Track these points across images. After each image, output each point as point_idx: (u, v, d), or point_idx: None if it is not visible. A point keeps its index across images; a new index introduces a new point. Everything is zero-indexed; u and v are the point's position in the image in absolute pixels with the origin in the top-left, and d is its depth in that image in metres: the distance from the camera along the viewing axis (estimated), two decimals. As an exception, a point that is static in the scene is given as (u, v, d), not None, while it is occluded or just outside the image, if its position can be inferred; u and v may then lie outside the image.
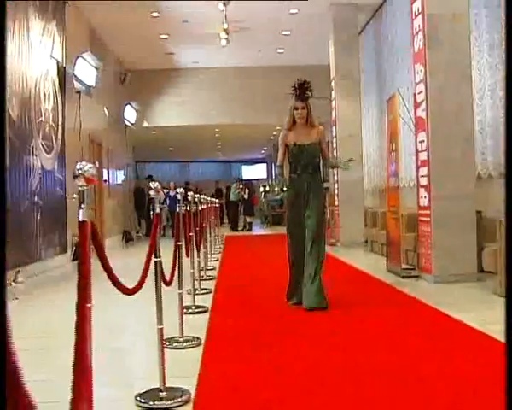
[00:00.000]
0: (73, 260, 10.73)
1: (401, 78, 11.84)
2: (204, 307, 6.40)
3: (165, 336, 4.77)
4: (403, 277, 8.28)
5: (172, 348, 4.66)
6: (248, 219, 22.82)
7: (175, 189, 14.91)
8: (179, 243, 4.82)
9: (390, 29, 12.85)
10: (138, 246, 16.24)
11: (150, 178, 24.58)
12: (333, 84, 13.82)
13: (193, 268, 6.64)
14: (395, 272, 8.52)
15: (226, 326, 5.52)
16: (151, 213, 18.18)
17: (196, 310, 6.26)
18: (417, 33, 7.92)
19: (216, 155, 34.60)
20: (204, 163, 38.31)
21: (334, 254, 11.44)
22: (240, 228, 22.62)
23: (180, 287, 4.92)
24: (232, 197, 22.76)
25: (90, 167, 1.98)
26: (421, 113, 7.90)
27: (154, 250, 3.20)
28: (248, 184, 23.82)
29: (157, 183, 3.39)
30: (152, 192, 3.34)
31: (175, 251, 4.59)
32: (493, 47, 8.33)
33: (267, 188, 29.27)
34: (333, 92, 13.81)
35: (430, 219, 7.74)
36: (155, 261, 3.42)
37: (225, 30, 14.13)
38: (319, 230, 6.15)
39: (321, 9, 13.52)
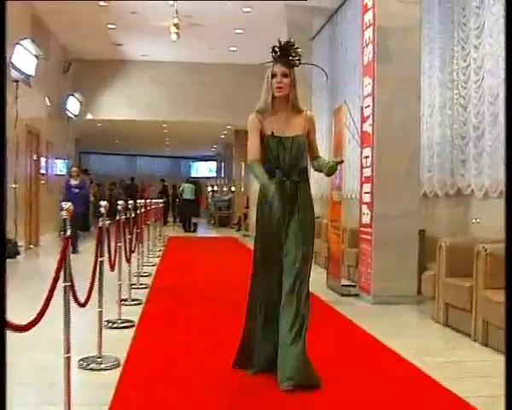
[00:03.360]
0: None
1: (353, 87, 11.84)
2: (131, 321, 6.24)
3: (82, 356, 4.64)
4: (342, 295, 8.26)
5: (89, 369, 4.51)
6: (194, 220, 22.62)
7: (78, 175, 13.66)
8: (101, 259, 4.65)
9: (344, 36, 12.85)
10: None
11: (86, 172, 24.13)
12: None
13: (120, 279, 6.45)
14: (335, 289, 8.49)
15: (151, 348, 5.37)
16: (88, 208, 17.55)
17: (122, 325, 6.10)
18: (367, 45, 7.90)
19: (164, 150, 34.28)
20: (152, 158, 37.91)
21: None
22: (192, 229, 22.41)
23: (100, 305, 4.76)
24: (186, 195, 22.47)
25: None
26: (367, 127, 7.89)
27: (59, 276, 3.03)
28: (196, 182, 23.59)
29: (70, 204, 3.21)
30: (63, 213, 3.16)
31: (95, 268, 4.41)
32: (445, 64, 8.38)
33: (215, 187, 29.15)
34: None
35: (371, 238, 7.72)
36: (65, 287, 3.25)
37: (176, 25, 13.94)
38: (305, 268, 4.31)
39: (275, 10, 13.44)
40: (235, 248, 16.25)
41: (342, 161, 4.63)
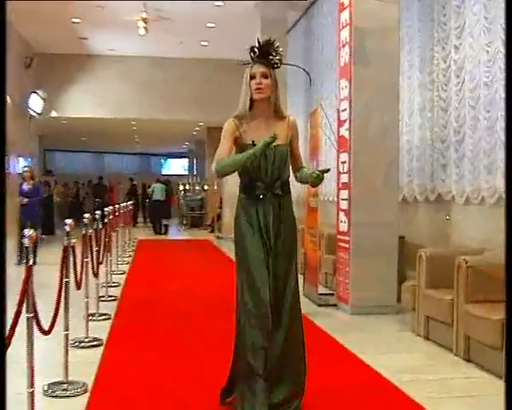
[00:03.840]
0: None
1: (329, 85, 11.89)
2: (99, 339, 6.21)
3: (48, 381, 4.62)
4: (319, 305, 8.30)
5: (54, 397, 4.50)
6: (165, 222, 22.53)
7: (32, 178, 12.65)
8: (66, 280, 4.63)
9: (321, 31, 12.90)
10: (41, 250, 15.78)
11: (50, 173, 23.90)
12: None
13: (87, 296, 6.42)
14: (312, 298, 8.53)
15: (120, 370, 5.36)
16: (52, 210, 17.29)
17: (89, 344, 6.07)
18: (344, 46, 7.94)
19: (134, 147, 34.12)
20: (120, 155, 37.69)
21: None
22: (163, 231, 22.33)
23: (66, 328, 4.74)
24: (156, 196, 22.32)
25: None
26: (344, 132, 7.93)
27: (21, 309, 3.02)
28: (166, 182, 23.48)
29: (32, 231, 3.19)
30: (25, 241, 3.15)
31: (60, 290, 4.39)
32: (424, 64, 8.45)
33: (187, 186, 29.02)
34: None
35: (349, 246, 7.78)
36: (28, 318, 3.24)
37: (144, 19, 13.92)
38: (294, 297, 4.10)
39: (248, 3, 13.44)
40: (208, 253, 16.25)
41: (328, 170, 4.26)
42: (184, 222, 26.32)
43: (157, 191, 22.32)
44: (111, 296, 8.69)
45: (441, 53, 7.99)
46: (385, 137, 7.77)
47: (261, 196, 4.08)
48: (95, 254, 7.14)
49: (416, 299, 6.63)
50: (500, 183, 6.57)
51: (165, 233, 22.32)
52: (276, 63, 4.15)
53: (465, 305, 5.60)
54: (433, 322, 6.32)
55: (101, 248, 7.86)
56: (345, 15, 7.86)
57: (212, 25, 15.60)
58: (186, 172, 36.83)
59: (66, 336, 4.77)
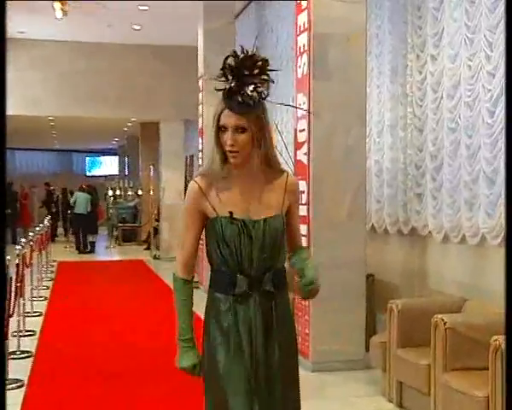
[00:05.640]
0: None
1: (286, 84, 11.88)
2: None
3: None
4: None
5: None
6: (90, 238, 22.30)
7: None
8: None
9: (275, 21, 12.94)
10: None
11: None
12: (200, 83, 13.78)
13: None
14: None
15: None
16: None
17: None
18: (301, 55, 7.99)
19: (51, 144, 33.73)
20: (35, 152, 37.22)
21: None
22: (88, 249, 22.14)
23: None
24: (79, 209, 21.99)
25: None
26: (302, 156, 7.98)
27: None
28: (91, 190, 23.16)
29: None
30: None
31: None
32: (396, 73, 8.56)
33: (117, 191, 28.79)
34: (200, 94, 13.77)
35: (309, 292, 7.82)
36: None
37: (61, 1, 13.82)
38: None
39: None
40: (143, 279, 16.14)
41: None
42: (115, 236, 25.98)
43: (80, 202, 21.92)
44: (24, 352, 8.54)
45: (416, 62, 8.10)
46: (350, 160, 7.85)
47: (243, 297, 3.30)
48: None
49: (387, 359, 6.72)
50: (483, 221, 6.70)
51: (91, 251, 22.10)
52: (261, 96, 3.28)
53: (444, 374, 5.70)
54: (408, 388, 6.43)
55: (12, 296, 7.79)
56: (303, 19, 7.89)
57: (146, 7, 15.54)
58: (116, 173, 36.58)
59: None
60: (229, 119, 3.22)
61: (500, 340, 4.84)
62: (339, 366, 7.73)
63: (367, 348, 7.73)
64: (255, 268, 3.29)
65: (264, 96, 3.28)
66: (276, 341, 3.32)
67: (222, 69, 3.23)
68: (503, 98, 6.25)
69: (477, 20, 6.86)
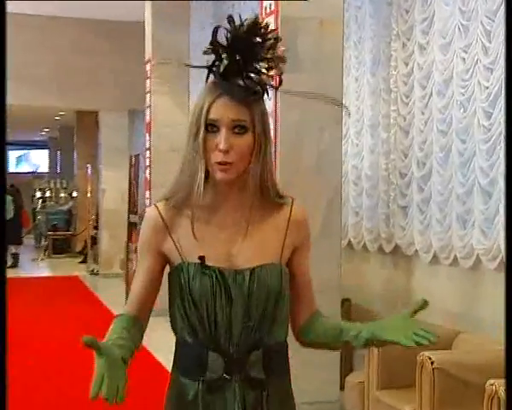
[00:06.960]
0: None
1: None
2: None
3: None
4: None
5: None
6: (13, 250, 21.81)
7: None
8: None
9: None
10: None
11: None
12: (148, 68, 13.65)
13: None
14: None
15: None
16: None
17: None
18: (268, 41, 7.89)
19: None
20: None
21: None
22: (11, 264, 21.68)
23: None
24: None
25: None
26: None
27: None
28: (14, 192, 22.44)
29: None
30: None
31: None
32: (378, 64, 8.53)
33: (47, 192, 28.45)
34: (147, 82, 13.65)
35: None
36: None
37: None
38: None
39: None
40: (78, 302, 15.62)
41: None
42: (43, 245, 25.61)
43: None
44: None
45: (401, 52, 8.07)
46: (323, 165, 7.73)
47: (217, 384, 2.58)
48: None
49: (365, 402, 6.68)
50: (478, 241, 6.67)
51: (15, 266, 21.58)
52: (269, 84, 2.64)
53: (431, 422, 5.67)
54: (390, 438, 6.39)
55: None
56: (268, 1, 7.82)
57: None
58: (46, 170, 36.11)
59: None
60: (223, 110, 2.49)
61: (497, 385, 4.79)
62: (307, 408, 7.65)
63: (342, 387, 7.67)
64: (236, 343, 2.54)
65: (270, 85, 2.65)
66: None
67: (212, 42, 2.49)
68: (502, 97, 6.23)
69: (473, 5, 6.84)
